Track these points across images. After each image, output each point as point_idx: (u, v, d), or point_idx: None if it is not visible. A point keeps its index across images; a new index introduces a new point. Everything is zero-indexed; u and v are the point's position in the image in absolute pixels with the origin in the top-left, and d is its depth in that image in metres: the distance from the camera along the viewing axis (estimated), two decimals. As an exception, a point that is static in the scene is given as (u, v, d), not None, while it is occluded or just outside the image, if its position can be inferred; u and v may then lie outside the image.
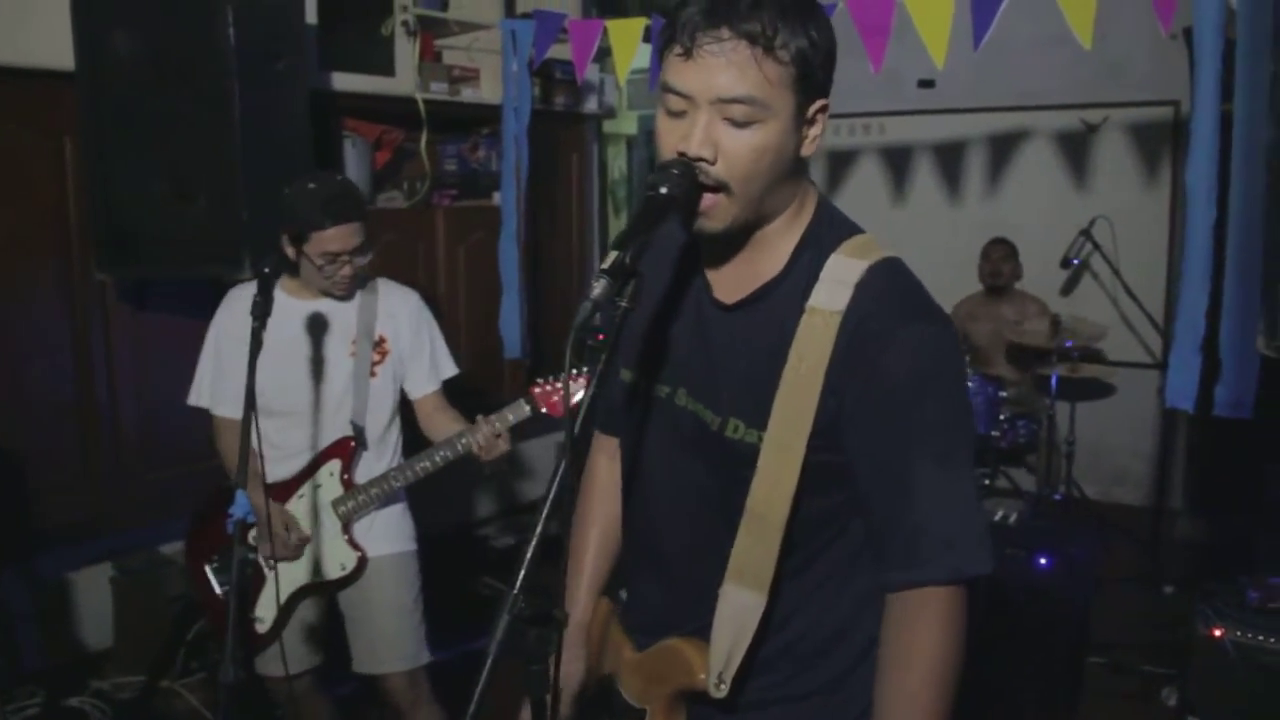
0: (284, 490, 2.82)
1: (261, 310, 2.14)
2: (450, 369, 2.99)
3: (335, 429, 2.82)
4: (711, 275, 1.49)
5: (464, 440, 2.77)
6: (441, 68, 4.34)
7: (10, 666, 3.53)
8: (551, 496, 1.22)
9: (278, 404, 2.79)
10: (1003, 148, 6.00)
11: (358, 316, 2.82)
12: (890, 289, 1.37)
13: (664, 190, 1.30)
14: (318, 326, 2.79)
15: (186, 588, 3.56)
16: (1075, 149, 5.82)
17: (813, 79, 1.32)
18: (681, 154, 1.32)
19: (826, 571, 1.47)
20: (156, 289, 3.51)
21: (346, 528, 2.83)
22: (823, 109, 1.36)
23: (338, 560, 2.83)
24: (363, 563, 2.83)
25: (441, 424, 2.90)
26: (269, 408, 2.76)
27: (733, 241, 1.44)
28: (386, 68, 4.03)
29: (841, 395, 1.35)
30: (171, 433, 3.62)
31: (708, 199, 1.33)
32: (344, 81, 3.86)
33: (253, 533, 2.77)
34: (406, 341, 2.89)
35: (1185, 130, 5.28)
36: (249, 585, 2.78)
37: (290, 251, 2.67)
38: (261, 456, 2.55)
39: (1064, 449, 5.25)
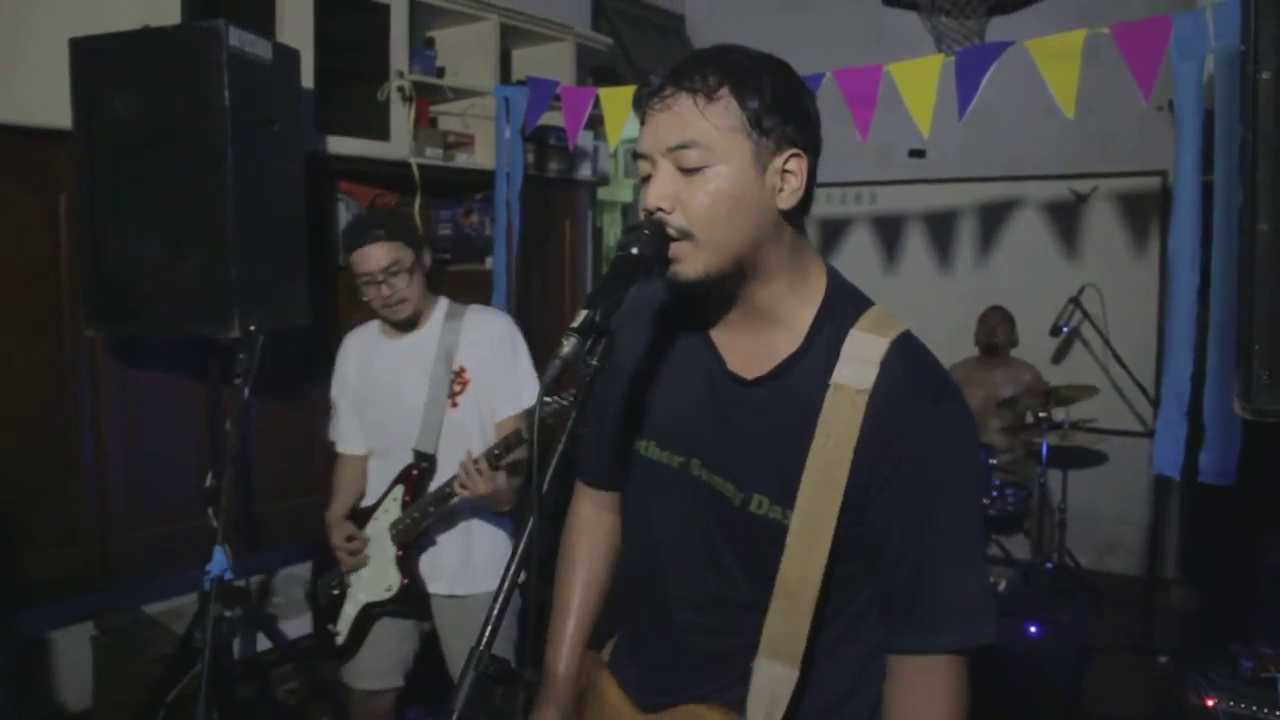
0: (362, 517, 3.03)
1: (245, 368, 2.16)
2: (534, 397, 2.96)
3: (407, 457, 2.94)
4: (723, 347, 1.50)
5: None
6: (436, 133, 4.38)
7: (-13, 728, 3.48)
8: (519, 552, 1.22)
9: (372, 443, 3.04)
10: (993, 217, 6.05)
11: (438, 344, 2.92)
12: (916, 368, 1.41)
13: (634, 250, 1.33)
14: (399, 362, 2.95)
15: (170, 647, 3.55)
16: (1065, 218, 5.87)
17: (769, 125, 1.34)
18: (646, 211, 1.36)
19: (841, 631, 1.49)
20: (146, 347, 3.51)
21: (402, 551, 2.91)
22: (794, 157, 1.38)
23: (385, 582, 2.92)
24: (406, 589, 2.90)
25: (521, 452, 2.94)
26: (370, 448, 3.07)
27: (727, 300, 1.46)
28: (382, 132, 4.07)
29: (870, 472, 1.38)
30: (158, 491, 3.60)
31: (674, 246, 1.36)
32: (339, 145, 3.89)
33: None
34: (488, 368, 2.93)
35: (1172, 200, 5.38)
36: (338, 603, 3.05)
37: (358, 289, 2.92)
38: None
39: (1056, 517, 5.23)
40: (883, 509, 1.39)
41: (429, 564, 2.97)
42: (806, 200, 1.42)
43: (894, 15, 6.03)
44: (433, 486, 2.92)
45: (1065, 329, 5.36)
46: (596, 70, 5.47)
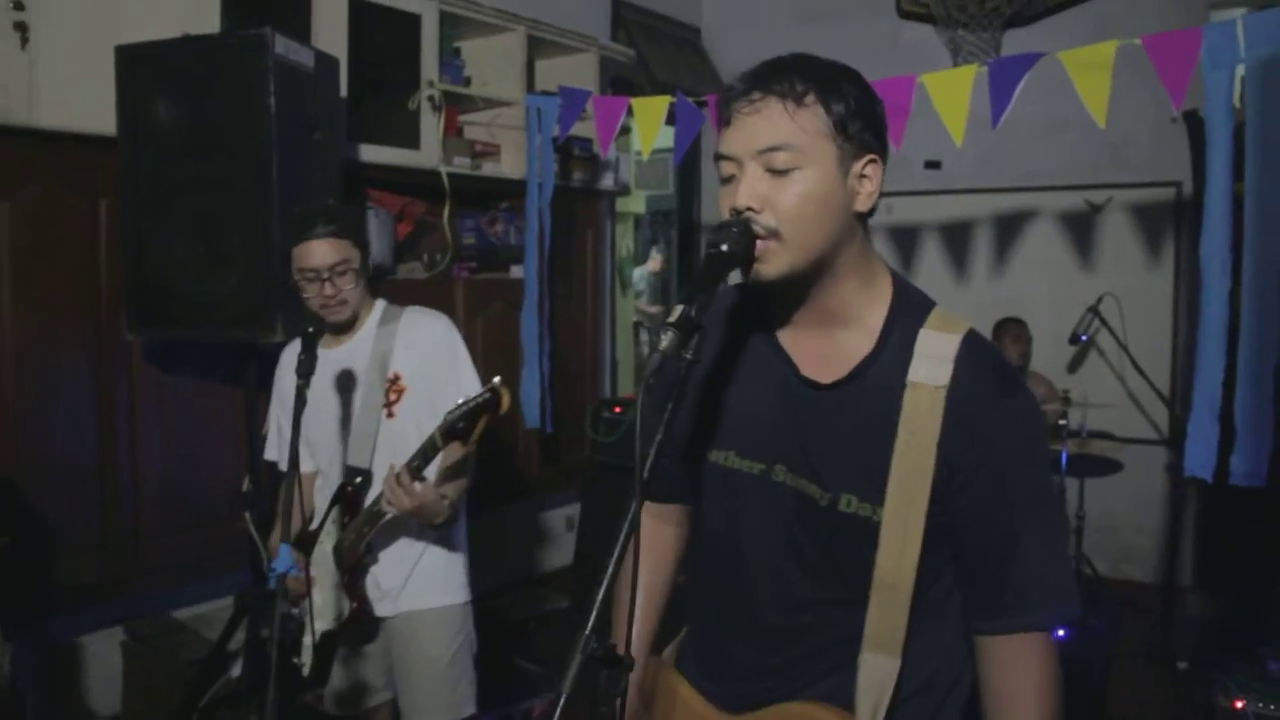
0: (308, 542, 2.78)
1: (306, 368, 2.18)
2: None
3: (344, 475, 2.75)
4: (795, 353, 1.54)
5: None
6: (464, 142, 4.42)
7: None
8: (622, 540, 1.25)
9: (318, 462, 2.84)
10: (1008, 228, 6.10)
11: (371, 352, 2.73)
12: (987, 363, 1.48)
13: (724, 247, 1.37)
14: (332, 371, 2.71)
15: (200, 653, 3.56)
16: (1080, 229, 5.92)
17: (852, 131, 1.40)
18: (734, 210, 1.40)
19: (928, 613, 1.53)
20: (182, 351, 3.54)
21: (348, 575, 2.70)
22: (871, 163, 1.44)
23: (335, 610, 2.73)
24: (357, 613, 2.70)
25: (448, 459, 2.68)
26: (317, 467, 2.85)
27: (796, 301, 1.50)
28: (412, 141, 4.10)
29: (954, 464, 1.43)
30: (192, 496, 3.62)
31: (760, 244, 1.40)
32: (370, 153, 3.93)
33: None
34: (426, 374, 2.73)
35: (1187, 210, 5.43)
36: (298, 634, 2.77)
37: (294, 284, 2.65)
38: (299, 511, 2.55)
39: (1073, 524, 5.26)
40: (968, 499, 1.45)
41: (372, 587, 2.77)
42: (874, 205, 1.48)
43: (909, 28, 6.10)
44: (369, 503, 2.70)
45: (1084, 338, 5.40)
46: (615, 81, 5.51)
